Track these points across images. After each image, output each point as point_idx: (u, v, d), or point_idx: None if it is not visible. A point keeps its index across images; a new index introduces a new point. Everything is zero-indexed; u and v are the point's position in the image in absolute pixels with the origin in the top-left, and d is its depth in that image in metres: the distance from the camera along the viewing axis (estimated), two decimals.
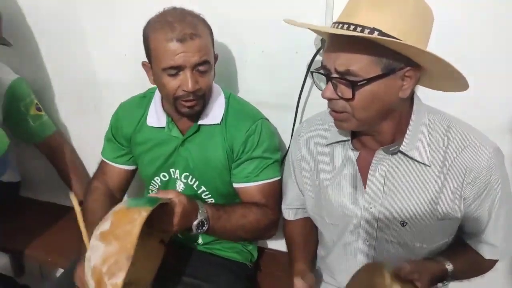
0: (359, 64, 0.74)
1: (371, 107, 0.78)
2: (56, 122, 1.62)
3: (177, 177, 1.15)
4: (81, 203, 0.92)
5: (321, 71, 0.81)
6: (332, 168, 0.96)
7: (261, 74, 1.28)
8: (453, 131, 0.85)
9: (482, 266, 0.96)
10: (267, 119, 1.15)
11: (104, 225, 0.78)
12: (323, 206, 0.99)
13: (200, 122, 1.09)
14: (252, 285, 1.31)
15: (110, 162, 1.23)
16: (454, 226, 0.90)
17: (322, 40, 1.12)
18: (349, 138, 0.92)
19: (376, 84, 0.75)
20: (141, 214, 0.76)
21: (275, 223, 1.14)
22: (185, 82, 0.97)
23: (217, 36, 1.06)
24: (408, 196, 0.87)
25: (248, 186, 1.10)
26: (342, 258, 1.00)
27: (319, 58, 1.17)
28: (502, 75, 1.04)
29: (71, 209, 1.73)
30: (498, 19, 1.00)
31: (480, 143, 0.83)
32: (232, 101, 1.13)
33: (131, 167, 1.24)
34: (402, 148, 0.84)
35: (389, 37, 0.71)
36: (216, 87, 1.13)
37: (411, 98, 0.86)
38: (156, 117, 1.12)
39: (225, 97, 1.12)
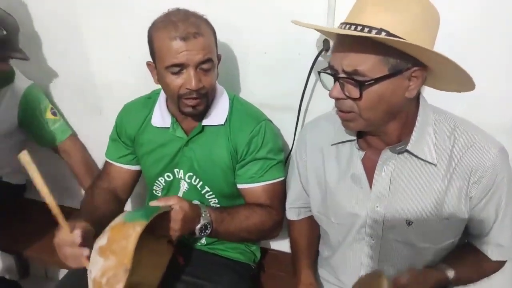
0: (367, 64, 0.75)
1: (378, 107, 0.79)
2: None
3: (181, 177, 1.16)
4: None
5: (328, 71, 0.82)
6: (337, 168, 0.97)
7: (264, 76, 1.29)
8: (459, 130, 0.86)
9: (487, 269, 0.96)
10: (270, 121, 1.16)
11: (102, 240, 0.82)
12: (329, 206, 0.99)
13: (204, 122, 1.09)
14: (255, 286, 1.31)
15: (114, 162, 1.23)
16: (460, 226, 0.90)
17: (325, 42, 1.13)
18: (354, 138, 0.92)
19: (383, 84, 0.76)
20: (135, 230, 0.79)
21: (279, 224, 1.15)
22: (189, 80, 0.98)
23: (220, 38, 1.07)
24: (414, 196, 0.88)
25: (253, 186, 1.11)
26: (347, 258, 1.00)
27: (321, 59, 1.18)
28: (505, 75, 1.05)
29: (76, 210, 1.75)
30: (501, 19, 1.00)
31: (486, 143, 0.84)
32: (236, 102, 1.14)
33: (135, 168, 1.24)
34: (408, 147, 0.85)
35: (396, 37, 0.72)
36: (220, 88, 1.14)
37: (417, 98, 0.87)
38: (160, 117, 1.13)
39: (229, 99, 1.13)
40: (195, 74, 0.97)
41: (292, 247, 1.15)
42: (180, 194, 1.18)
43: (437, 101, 0.93)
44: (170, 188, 1.19)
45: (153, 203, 0.93)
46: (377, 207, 0.91)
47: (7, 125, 1.45)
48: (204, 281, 1.12)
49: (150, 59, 1.05)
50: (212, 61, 1.00)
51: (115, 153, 1.23)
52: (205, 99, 1.03)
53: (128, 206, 1.64)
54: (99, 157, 1.37)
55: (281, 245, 1.48)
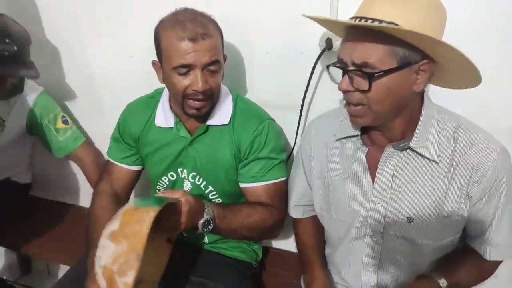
0: (376, 56, 0.76)
1: (387, 100, 0.80)
2: None
3: (184, 176, 1.16)
4: None
5: (338, 65, 0.83)
6: (341, 163, 0.98)
7: (266, 75, 1.29)
8: (462, 130, 0.87)
9: (483, 272, 0.96)
10: (273, 120, 1.16)
11: (113, 225, 0.79)
12: (331, 202, 1.00)
13: (208, 122, 1.09)
14: (257, 284, 1.32)
15: (116, 163, 1.23)
16: (460, 224, 0.91)
17: (327, 41, 1.13)
18: (359, 133, 0.93)
19: (392, 76, 0.77)
20: (149, 214, 0.77)
21: (280, 223, 1.15)
22: (195, 81, 0.97)
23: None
24: (416, 193, 0.88)
25: (255, 186, 1.11)
26: (348, 255, 1.01)
27: (323, 59, 1.18)
28: (507, 76, 1.05)
29: (79, 207, 1.75)
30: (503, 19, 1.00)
31: (488, 143, 0.85)
32: (240, 102, 1.14)
33: (137, 168, 1.24)
34: (411, 144, 0.86)
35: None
36: (224, 88, 1.14)
37: (421, 97, 0.88)
38: (164, 117, 1.13)
39: (232, 98, 1.13)
40: (202, 75, 0.97)
41: (298, 245, 1.15)
42: None
43: (442, 103, 0.93)
44: (174, 187, 1.19)
45: (159, 195, 0.93)
46: (378, 203, 0.91)
47: (16, 133, 1.43)
48: (206, 279, 1.13)
49: (153, 58, 1.05)
50: (219, 62, 1.00)
51: (118, 153, 1.23)
52: (210, 101, 1.03)
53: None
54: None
55: (283, 244, 1.48)
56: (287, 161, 1.21)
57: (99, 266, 0.78)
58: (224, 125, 1.10)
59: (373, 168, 0.92)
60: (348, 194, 0.95)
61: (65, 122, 1.47)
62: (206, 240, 1.23)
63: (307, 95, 1.22)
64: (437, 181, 0.87)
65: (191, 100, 1.01)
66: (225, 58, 1.07)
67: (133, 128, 1.18)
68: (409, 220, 0.89)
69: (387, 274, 0.97)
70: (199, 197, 1.15)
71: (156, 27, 1.01)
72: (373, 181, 0.92)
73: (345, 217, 0.98)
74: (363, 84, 0.78)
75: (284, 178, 1.14)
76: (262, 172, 1.10)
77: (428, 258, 0.95)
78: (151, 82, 1.11)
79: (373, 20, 0.74)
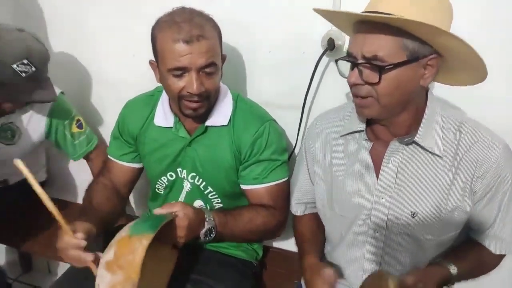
0: (386, 49, 0.77)
1: (395, 92, 0.81)
2: None
3: (184, 177, 1.16)
4: None
5: (347, 58, 0.85)
6: (345, 159, 0.98)
7: (268, 74, 1.29)
8: (465, 126, 0.88)
9: (488, 264, 0.97)
10: (274, 120, 1.15)
11: (109, 255, 0.81)
12: (335, 197, 1.00)
13: (207, 123, 1.09)
14: (257, 283, 1.32)
15: (115, 160, 1.22)
16: (462, 219, 0.92)
17: (329, 41, 1.13)
18: (363, 128, 0.94)
19: (401, 69, 0.78)
20: (142, 243, 0.79)
21: (282, 224, 1.15)
22: (190, 83, 0.96)
23: (224, 36, 1.05)
24: (420, 187, 0.89)
25: (257, 188, 1.11)
26: (350, 251, 1.01)
27: (325, 58, 1.18)
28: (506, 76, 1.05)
29: (74, 204, 1.75)
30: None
31: (491, 139, 0.86)
32: (240, 102, 1.13)
33: (137, 165, 1.24)
34: (416, 138, 0.87)
35: None
36: (224, 88, 1.13)
37: (426, 93, 0.90)
38: (163, 117, 1.12)
39: (232, 98, 1.12)
40: (197, 77, 0.96)
41: (297, 240, 1.15)
42: (183, 194, 1.18)
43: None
44: (173, 187, 1.19)
45: (157, 211, 0.93)
46: (382, 198, 0.92)
47: (33, 141, 1.39)
48: (207, 278, 1.12)
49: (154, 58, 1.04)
50: (216, 64, 0.98)
51: (117, 151, 1.22)
52: (206, 102, 1.02)
53: (131, 203, 1.65)
54: None
55: (283, 243, 1.48)
56: (289, 160, 1.21)
57: None
58: (223, 126, 1.09)
59: (377, 163, 0.93)
60: (352, 190, 0.96)
61: (79, 126, 1.45)
62: None
63: (308, 95, 1.21)
64: (441, 176, 0.88)
65: (187, 102, 1.00)
66: (224, 58, 1.06)
67: (131, 126, 1.18)
68: (413, 215, 0.90)
69: (389, 270, 0.97)
70: (199, 197, 1.16)
71: (153, 26, 1.00)
72: (377, 176, 0.93)
73: (348, 213, 0.98)
74: (373, 77, 0.80)
75: (286, 179, 1.14)
76: (264, 174, 1.10)
77: (430, 254, 0.96)
78: (152, 81, 1.10)
79: (383, 14, 0.76)
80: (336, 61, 0.89)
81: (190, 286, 1.10)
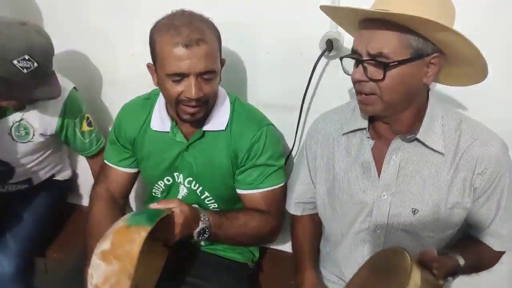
0: (391, 47, 0.79)
1: (399, 89, 0.83)
2: None
3: (180, 181, 1.15)
4: None
5: (352, 56, 0.86)
6: (347, 157, 0.99)
7: (267, 76, 1.28)
8: (464, 125, 0.90)
9: (488, 260, 0.99)
10: (272, 124, 1.14)
11: (105, 244, 0.80)
12: (336, 196, 1.01)
13: (205, 128, 1.08)
14: (254, 285, 1.32)
15: (113, 165, 1.21)
16: (461, 216, 0.93)
17: (328, 42, 1.13)
18: (365, 126, 0.95)
19: (405, 67, 0.80)
20: (140, 234, 0.78)
21: (276, 230, 1.15)
22: (189, 89, 0.95)
23: (223, 38, 1.04)
24: (421, 184, 0.91)
25: (252, 193, 1.10)
26: (350, 250, 1.02)
27: (324, 59, 1.18)
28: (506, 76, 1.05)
29: (78, 206, 1.74)
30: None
31: (490, 137, 0.89)
32: (238, 106, 1.12)
33: (134, 170, 1.23)
34: (418, 136, 0.89)
35: None
36: (222, 92, 1.11)
37: (427, 92, 0.92)
38: (160, 121, 1.11)
39: (230, 102, 1.11)
40: (195, 83, 0.95)
41: (294, 245, 1.15)
42: (179, 198, 1.17)
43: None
44: (170, 191, 1.18)
45: (154, 206, 0.93)
46: (384, 195, 0.93)
47: (48, 134, 1.35)
48: (203, 281, 1.12)
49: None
50: (215, 71, 0.97)
51: (114, 156, 1.21)
52: (204, 106, 1.01)
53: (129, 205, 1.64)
54: None
55: (280, 245, 1.48)
56: (286, 162, 1.21)
57: (91, 284, 0.79)
58: (220, 130, 1.08)
59: (378, 161, 0.94)
60: (354, 187, 0.97)
61: (89, 124, 1.42)
62: (202, 242, 1.22)
63: (307, 96, 1.21)
64: (442, 173, 0.89)
65: (185, 106, 0.99)
66: (223, 62, 1.05)
67: (128, 131, 1.16)
68: (414, 212, 0.92)
69: None
70: (196, 202, 1.15)
71: (151, 29, 0.98)
72: (379, 174, 0.94)
73: (350, 211, 0.99)
74: (377, 73, 0.81)
75: (282, 184, 1.13)
76: (259, 179, 1.09)
77: None
78: (151, 82, 1.09)
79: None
80: (341, 58, 0.90)
81: None
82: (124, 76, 1.46)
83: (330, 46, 1.13)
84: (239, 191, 1.13)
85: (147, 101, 1.17)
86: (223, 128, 1.08)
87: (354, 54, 0.85)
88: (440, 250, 0.96)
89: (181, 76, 0.94)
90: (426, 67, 0.83)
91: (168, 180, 1.16)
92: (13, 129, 1.28)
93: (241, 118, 1.10)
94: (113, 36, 1.41)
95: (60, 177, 1.56)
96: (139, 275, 0.89)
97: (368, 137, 0.95)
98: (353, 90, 1.19)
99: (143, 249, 0.78)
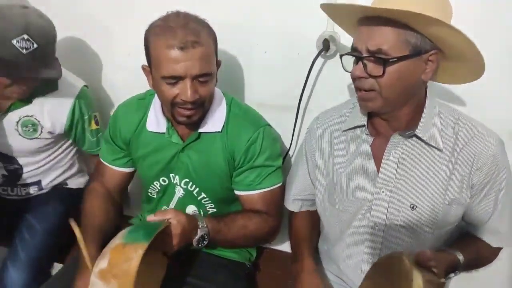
0: (390, 43, 0.81)
1: (398, 86, 0.84)
2: None
3: (176, 182, 1.14)
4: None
5: (352, 53, 0.88)
6: (346, 154, 1.00)
7: (263, 75, 1.28)
8: (462, 122, 0.92)
9: (487, 256, 1.00)
10: (269, 125, 1.14)
11: (102, 263, 0.80)
12: (335, 193, 1.02)
13: (200, 129, 1.07)
14: (251, 285, 1.31)
15: (108, 164, 1.21)
16: (459, 212, 0.94)
17: (324, 42, 1.13)
18: (364, 123, 0.96)
19: (404, 63, 0.82)
20: (137, 253, 0.78)
21: (275, 230, 1.15)
22: (184, 91, 0.94)
23: (219, 37, 1.03)
24: (420, 180, 0.92)
25: (250, 194, 1.10)
26: (350, 246, 1.03)
27: (320, 59, 1.18)
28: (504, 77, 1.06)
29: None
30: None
31: (487, 134, 0.91)
32: (234, 107, 1.11)
33: (130, 169, 1.22)
34: (417, 132, 0.90)
35: None
36: (218, 93, 1.10)
37: (425, 89, 0.93)
38: (155, 122, 1.10)
39: (226, 103, 1.10)
40: (191, 85, 0.94)
41: (293, 237, 1.15)
42: (175, 199, 1.17)
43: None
44: (165, 192, 1.18)
45: (150, 219, 0.93)
46: (383, 191, 0.95)
47: (57, 131, 1.34)
48: (200, 280, 1.12)
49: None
50: (210, 73, 0.96)
51: (109, 155, 1.21)
52: (200, 109, 1.00)
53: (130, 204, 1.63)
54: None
55: (277, 243, 1.48)
56: (283, 161, 1.21)
57: None
58: (217, 132, 1.08)
59: (377, 157, 0.95)
60: (353, 184, 0.98)
61: (97, 122, 1.41)
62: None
63: (304, 96, 1.21)
64: (440, 169, 0.91)
65: (180, 109, 0.98)
66: (219, 64, 1.04)
67: (123, 131, 1.16)
68: (413, 207, 0.93)
69: None
70: (192, 203, 1.16)
71: (146, 30, 0.97)
72: (378, 170, 0.95)
73: (349, 207, 0.99)
74: (377, 70, 0.83)
75: (280, 184, 1.13)
76: (257, 180, 1.09)
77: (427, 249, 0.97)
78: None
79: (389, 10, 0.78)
80: (341, 56, 0.91)
81: None
82: (121, 75, 1.45)
83: (326, 45, 1.13)
84: (237, 192, 1.13)
85: (142, 101, 1.16)
86: (219, 130, 1.07)
87: (354, 51, 0.87)
88: (439, 247, 0.97)
89: (176, 79, 0.94)
90: (424, 64, 0.84)
91: (164, 181, 1.16)
92: (19, 124, 1.27)
93: (237, 120, 1.09)
94: (109, 35, 1.40)
95: (73, 184, 1.52)
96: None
97: (367, 134, 0.96)
98: (351, 89, 1.21)
99: (141, 263, 0.78)
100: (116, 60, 1.44)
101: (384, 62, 0.81)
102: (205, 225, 0.98)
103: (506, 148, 0.92)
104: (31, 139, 1.30)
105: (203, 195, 1.14)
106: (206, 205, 1.16)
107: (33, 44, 1.08)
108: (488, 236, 0.97)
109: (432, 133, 0.90)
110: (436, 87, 1.05)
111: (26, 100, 1.25)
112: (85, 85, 1.34)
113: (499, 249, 1.00)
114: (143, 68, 1.03)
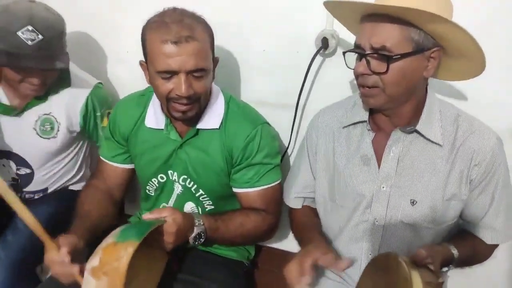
0: (393, 40, 0.82)
1: (401, 82, 0.85)
2: None
3: (175, 179, 1.14)
4: None
5: (356, 50, 0.89)
6: (347, 149, 1.01)
7: (262, 74, 1.28)
8: (461, 118, 0.93)
9: (482, 253, 1.00)
10: (267, 123, 1.14)
11: (94, 261, 0.82)
12: (336, 188, 1.02)
13: (198, 126, 1.07)
14: (249, 283, 1.32)
15: (108, 161, 1.21)
16: (458, 208, 0.95)
17: (323, 40, 1.13)
18: (366, 119, 0.97)
19: (407, 60, 0.83)
20: (127, 251, 0.79)
21: (274, 228, 1.15)
22: (179, 86, 0.94)
23: (218, 35, 1.03)
24: (420, 176, 0.93)
25: (249, 191, 1.10)
26: (349, 242, 1.03)
27: (319, 57, 1.18)
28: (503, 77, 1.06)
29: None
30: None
31: (485, 130, 0.92)
32: (232, 104, 1.11)
33: (129, 166, 1.22)
34: (418, 127, 0.91)
35: None
36: (216, 90, 1.11)
37: (426, 86, 0.94)
38: (154, 118, 1.10)
39: (225, 101, 1.10)
40: (185, 80, 0.94)
41: (297, 229, 1.13)
42: (174, 196, 1.17)
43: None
44: (164, 189, 1.18)
45: (146, 216, 0.93)
46: (383, 187, 0.95)
47: (72, 129, 1.34)
48: (198, 278, 1.12)
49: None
50: (205, 69, 0.96)
51: (109, 152, 1.21)
52: (196, 104, 1.00)
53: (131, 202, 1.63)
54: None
55: (276, 241, 1.48)
56: (282, 159, 1.21)
57: None
58: (215, 129, 1.08)
59: (378, 153, 0.96)
60: (354, 179, 0.98)
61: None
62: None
63: (302, 94, 1.21)
64: (440, 164, 0.92)
65: (175, 104, 0.98)
66: (217, 61, 1.04)
67: (123, 127, 1.16)
68: (413, 203, 0.94)
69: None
70: (191, 199, 1.16)
71: (143, 27, 0.98)
72: (378, 165, 0.96)
73: (349, 203, 1.00)
74: (380, 66, 0.83)
75: (278, 182, 1.13)
76: (256, 178, 1.09)
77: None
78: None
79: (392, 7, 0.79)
80: (344, 53, 0.92)
81: (180, 286, 1.10)
82: (120, 73, 1.45)
83: (325, 44, 1.13)
84: (235, 189, 1.13)
85: (141, 98, 1.16)
86: (217, 127, 1.07)
87: (357, 48, 0.87)
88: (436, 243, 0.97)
89: (170, 74, 0.94)
90: (426, 61, 0.85)
91: (162, 178, 1.16)
92: (38, 123, 1.27)
93: (235, 117, 1.09)
94: (108, 32, 1.40)
95: (75, 187, 1.51)
96: (137, 282, 0.91)
97: (369, 130, 0.97)
98: (349, 87, 1.21)
99: (138, 258, 0.79)
100: (123, 56, 1.43)
101: (388, 59, 0.82)
102: (201, 223, 0.98)
103: (504, 146, 0.93)
104: (48, 138, 1.29)
105: (201, 191, 1.14)
106: (204, 202, 1.16)
107: (38, 35, 1.08)
108: (484, 232, 0.97)
109: (433, 129, 0.91)
110: (434, 84, 1.05)
111: (42, 97, 1.25)
112: (99, 83, 1.34)
113: (495, 246, 1.00)
114: (141, 63, 1.04)
